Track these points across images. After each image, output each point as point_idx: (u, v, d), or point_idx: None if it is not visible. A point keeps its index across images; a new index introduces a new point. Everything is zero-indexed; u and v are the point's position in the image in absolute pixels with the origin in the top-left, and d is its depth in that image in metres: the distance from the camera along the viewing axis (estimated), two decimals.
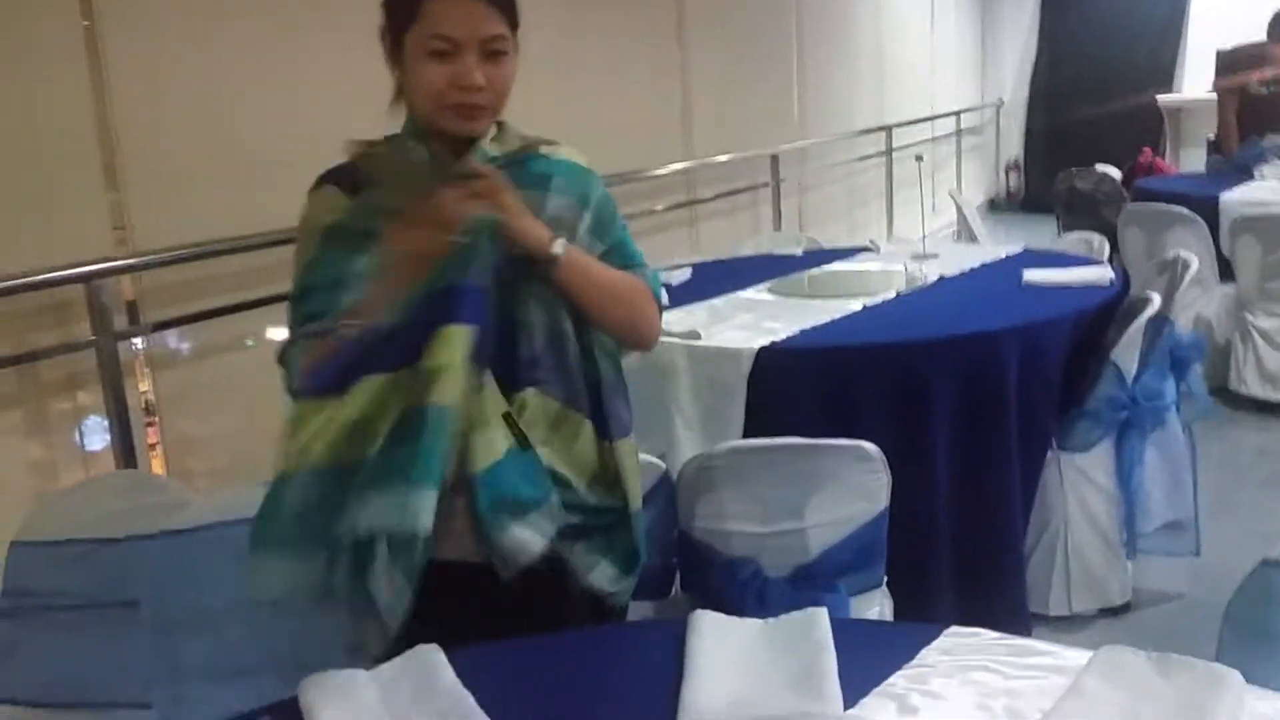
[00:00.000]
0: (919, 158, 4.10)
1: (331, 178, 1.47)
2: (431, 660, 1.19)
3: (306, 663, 1.23)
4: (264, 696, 1.29)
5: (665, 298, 1.58)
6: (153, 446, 2.87)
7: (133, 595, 1.62)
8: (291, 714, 1.15)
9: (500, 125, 1.49)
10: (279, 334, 3.04)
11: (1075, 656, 1.14)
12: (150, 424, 2.88)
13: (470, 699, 1.11)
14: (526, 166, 1.48)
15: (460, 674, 1.16)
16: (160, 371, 2.86)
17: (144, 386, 2.88)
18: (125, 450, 2.61)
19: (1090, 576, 2.82)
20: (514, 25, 1.43)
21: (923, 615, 2.33)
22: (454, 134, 1.42)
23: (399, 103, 1.47)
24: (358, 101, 3.22)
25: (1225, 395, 4.28)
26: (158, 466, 2.84)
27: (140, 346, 2.82)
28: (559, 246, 1.39)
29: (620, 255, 1.54)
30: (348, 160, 1.47)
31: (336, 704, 1.13)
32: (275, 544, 1.32)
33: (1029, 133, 10.01)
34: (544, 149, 1.52)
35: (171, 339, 2.88)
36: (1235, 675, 1.04)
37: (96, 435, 2.70)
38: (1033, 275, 3.15)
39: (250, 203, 2.98)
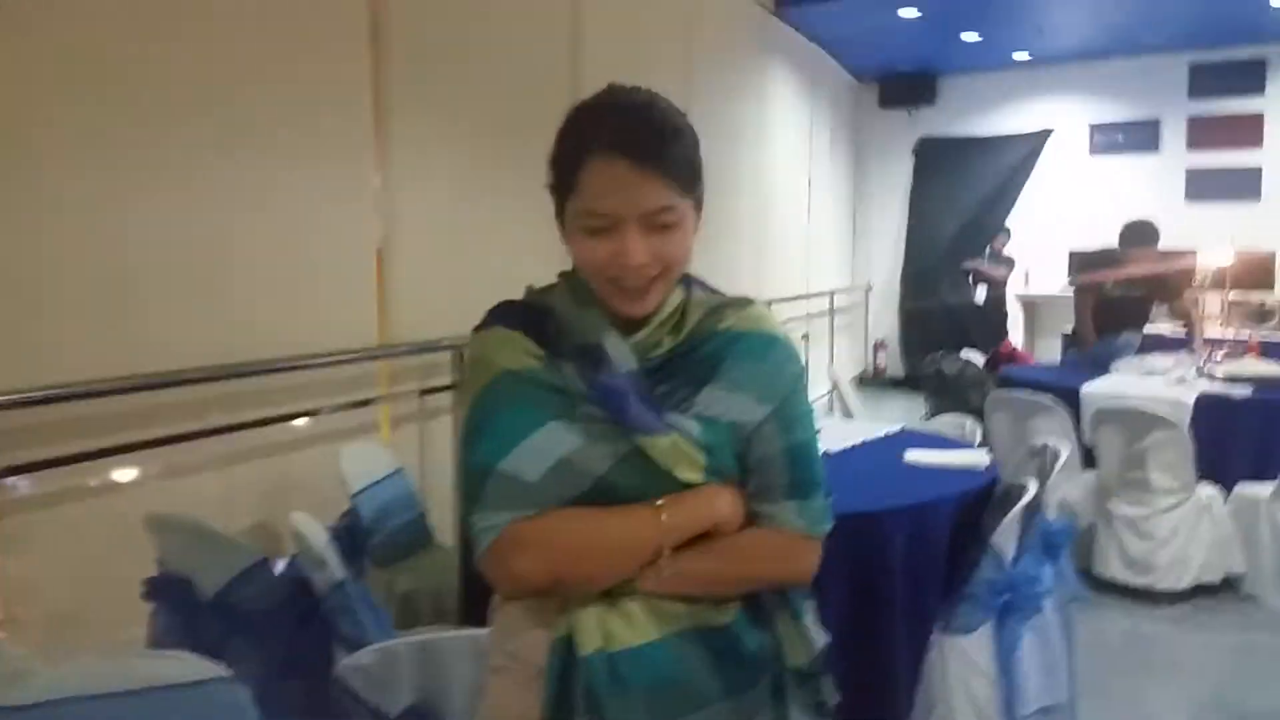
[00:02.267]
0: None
1: (508, 320, 1.33)
2: None
3: None
4: None
5: (829, 523, 1.38)
6: None
7: None
8: None
9: (689, 286, 1.37)
10: (129, 479, 2.90)
11: None
12: None
13: None
14: (698, 351, 1.33)
15: None
16: (5, 511, 2.64)
17: None
18: None
19: None
20: (688, 188, 1.28)
21: None
22: (618, 314, 1.31)
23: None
24: (244, 235, 3.21)
25: (1089, 578, 4.40)
26: None
27: None
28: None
29: (782, 468, 1.34)
30: (523, 302, 1.37)
31: None
32: None
33: (904, 313, 10.39)
34: (728, 318, 1.35)
35: (22, 481, 2.68)
36: None
37: None
38: (914, 456, 3.21)
39: (115, 342, 2.85)
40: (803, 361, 1.39)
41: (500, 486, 1.24)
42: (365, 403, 3.77)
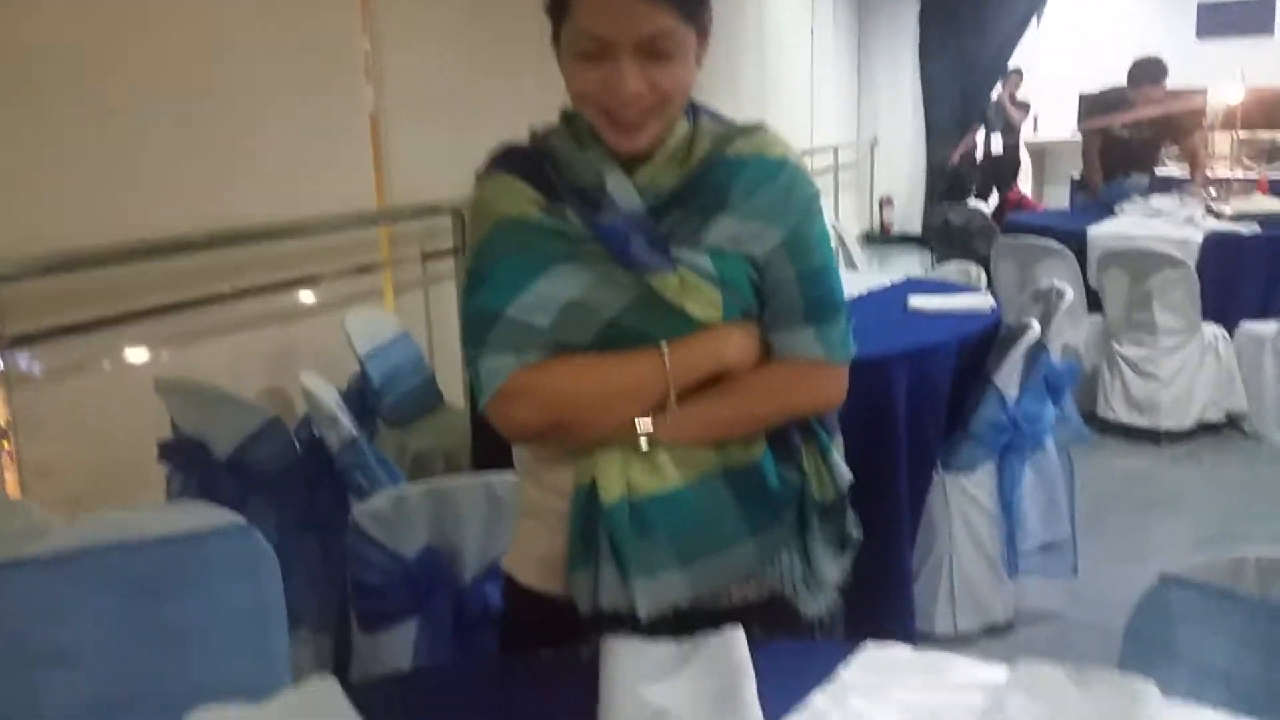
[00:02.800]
0: None
1: (508, 165, 1.29)
2: (327, 693, 1.12)
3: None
4: None
5: (852, 348, 1.33)
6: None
7: None
8: None
9: (696, 116, 1.29)
10: (137, 349, 2.92)
11: (992, 672, 1.13)
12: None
13: None
14: (706, 180, 1.25)
15: (359, 706, 1.08)
16: (17, 389, 2.68)
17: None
18: None
19: (974, 596, 2.87)
20: (691, 13, 1.19)
21: None
22: (616, 150, 1.24)
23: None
24: (259, 99, 3.17)
25: (1093, 421, 4.44)
26: (12, 488, 2.66)
27: None
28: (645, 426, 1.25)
29: (796, 294, 1.28)
30: (525, 146, 1.31)
31: None
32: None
33: (929, 167, 10.17)
34: (737, 145, 1.27)
35: (32, 355, 2.71)
36: (1152, 688, 1.04)
37: None
38: (918, 302, 3.22)
39: (113, 213, 2.84)
40: (817, 185, 1.32)
41: (506, 331, 1.22)
42: (368, 269, 3.77)
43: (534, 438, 1.30)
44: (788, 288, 1.27)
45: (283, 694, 1.13)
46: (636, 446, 1.23)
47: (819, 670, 1.15)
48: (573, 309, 1.23)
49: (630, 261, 1.22)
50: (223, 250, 3.09)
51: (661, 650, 1.17)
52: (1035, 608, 3.03)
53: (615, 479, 1.22)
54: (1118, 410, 4.47)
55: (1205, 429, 4.48)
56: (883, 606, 2.66)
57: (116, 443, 2.77)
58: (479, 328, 1.24)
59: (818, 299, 1.28)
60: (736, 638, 1.17)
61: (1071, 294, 3.27)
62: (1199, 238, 4.47)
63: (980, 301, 3.21)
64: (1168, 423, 4.40)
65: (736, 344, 1.27)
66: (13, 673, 1.47)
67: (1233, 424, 4.53)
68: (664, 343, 1.23)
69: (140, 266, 2.87)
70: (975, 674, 1.14)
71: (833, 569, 1.34)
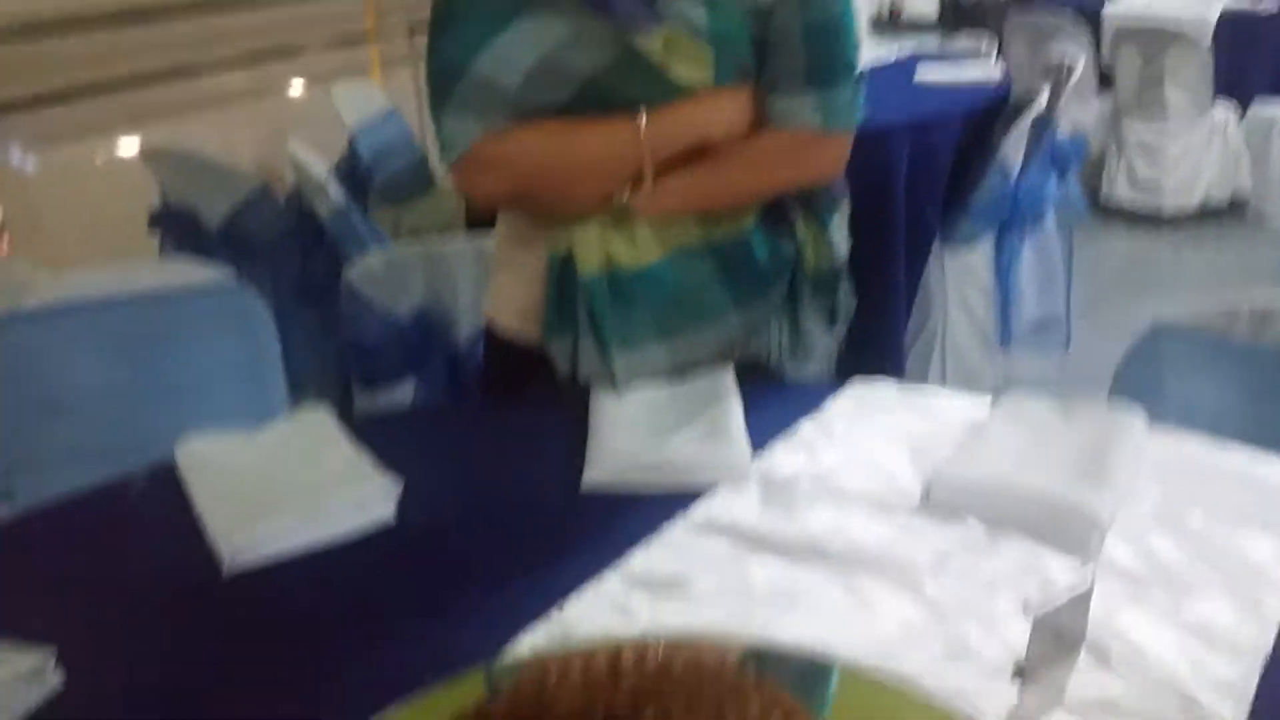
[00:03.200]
0: None
1: None
2: (321, 422, 1.13)
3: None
4: None
5: (858, 115, 1.23)
6: None
7: None
8: (169, 479, 1.08)
9: None
10: (133, 141, 2.86)
11: (978, 403, 1.14)
12: None
13: (366, 458, 1.05)
14: None
15: (356, 436, 1.10)
16: (8, 187, 2.64)
17: None
18: None
19: (965, 367, 2.90)
20: None
21: None
22: None
23: None
24: None
25: (1097, 205, 4.38)
26: None
27: None
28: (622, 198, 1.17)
29: (799, 51, 1.16)
30: None
31: (215, 464, 1.06)
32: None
33: None
34: None
35: (18, 150, 2.65)
36: (1137, 416, 1.05)
37: None
38: (925, 74, 3.12)
39: None
40: None
41: (471, 90, 1.13)
42: (354, 42, 3.65)
43: (499, 206, 1.26)
44: (792, 43, 1.16)
45: (276, 425, 1.14)
46: (614, 218, 1.17)
47: (808, 402, 1.16)
48: (544, 67, 1.12)
49: (611, 12, 1.11)
50: (200, 18, 2.99)
51: (650, 394, 1.17)
52: (1025, 379, 3.07)
53: (592, 251, 1.17)
54: (1122, 192, 4.41)
55: (1208, 214, 4.42)
56: (875, 375, 2.68)
57: (106, 217, 2.74)
58: (443, 83, 1.15)
59: (823, 58, 1.17)
60: (725, 375, 1.17)
61: (1082, 66, 3.16)
62: (1215, 15, 4.30)
63: (987, 73, 3.12)
64: (1171, 204, 4.34)
65: (724, 114, 1.18)
66: (12, 420, 1.49)
67: (1236, 208, 4.47)
68: (642, 110, 1.14)
69: (118, 34, 2.77)
70: (960, 406, 1.15)
71: (822, 339, 1.32)
